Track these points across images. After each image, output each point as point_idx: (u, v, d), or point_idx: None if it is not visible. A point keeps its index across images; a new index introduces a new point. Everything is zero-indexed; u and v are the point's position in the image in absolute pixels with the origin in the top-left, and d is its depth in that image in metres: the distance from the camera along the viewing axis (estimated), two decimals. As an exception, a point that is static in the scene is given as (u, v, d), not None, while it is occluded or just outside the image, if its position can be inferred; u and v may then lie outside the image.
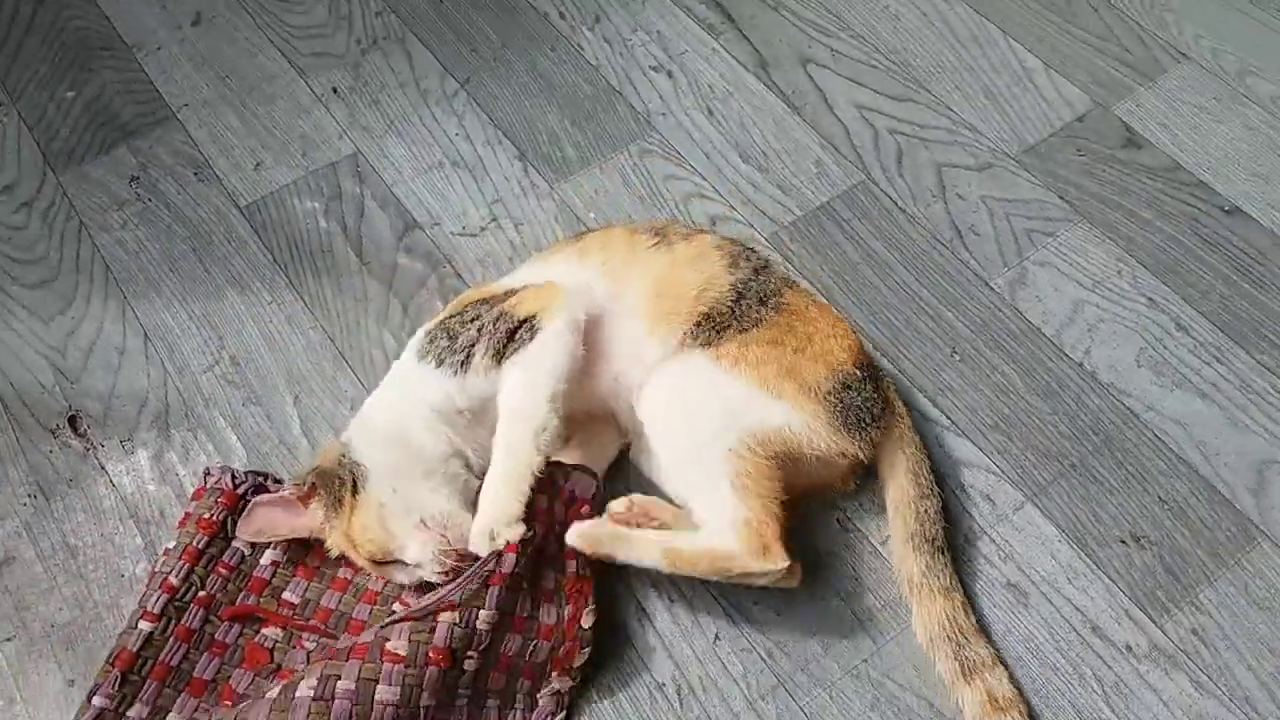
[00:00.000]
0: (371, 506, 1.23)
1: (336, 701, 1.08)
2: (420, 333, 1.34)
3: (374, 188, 1.68)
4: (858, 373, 1.29)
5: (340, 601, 1.28)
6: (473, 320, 1.29)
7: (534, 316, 1.27)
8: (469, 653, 1.15)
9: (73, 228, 1.66)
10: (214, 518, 1.29)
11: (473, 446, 1.29)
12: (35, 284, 1.60)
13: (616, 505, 1.26)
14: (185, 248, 1.63)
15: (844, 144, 1.69)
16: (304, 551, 1.30)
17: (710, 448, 1.22)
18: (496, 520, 1.19)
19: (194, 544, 1.27)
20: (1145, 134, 1.66)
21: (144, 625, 1.21)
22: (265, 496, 1.29)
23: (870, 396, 1.28)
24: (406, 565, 1.24)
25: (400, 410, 1.29)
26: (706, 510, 1.22)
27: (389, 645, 1.12)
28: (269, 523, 1.27)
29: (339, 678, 1.09)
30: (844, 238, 1.59)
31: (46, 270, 1.62)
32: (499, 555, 1.18)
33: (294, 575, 1.29)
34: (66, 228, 1.66)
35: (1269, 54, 1.74)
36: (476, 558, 1.19)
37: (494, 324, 1.28)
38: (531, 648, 1.20)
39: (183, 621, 1.23)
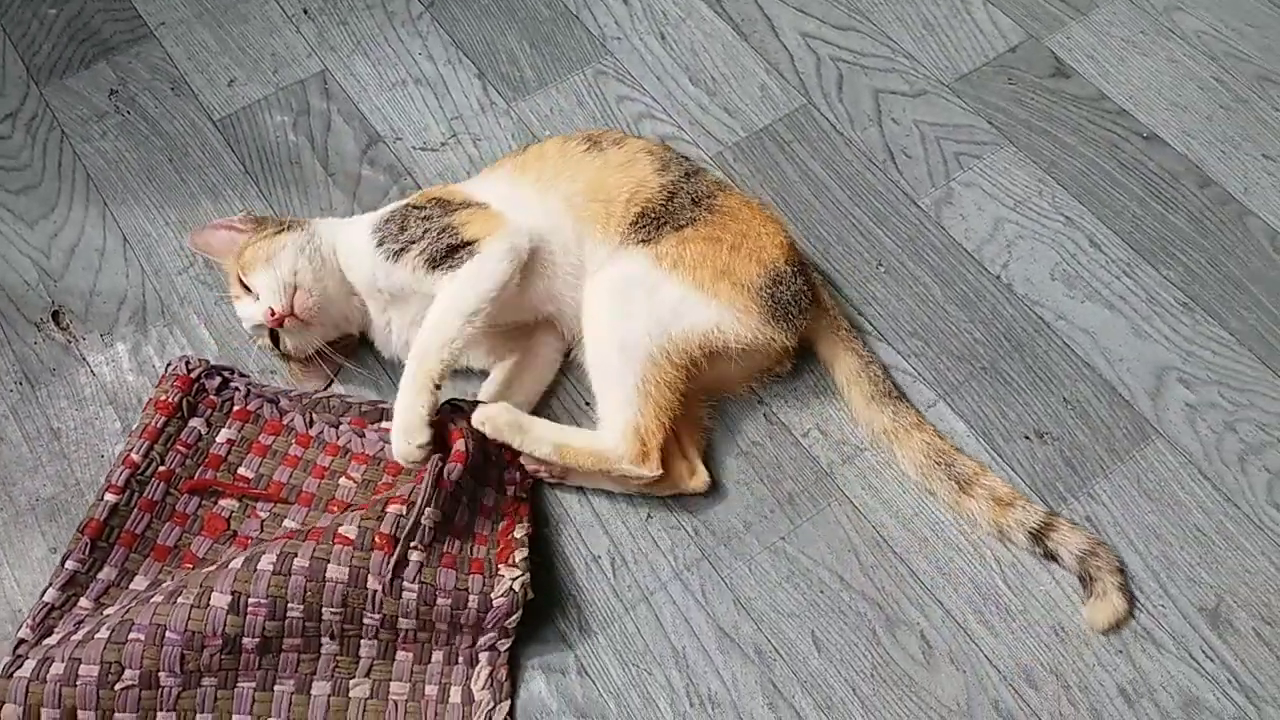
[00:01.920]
0: (277, 242, 1.39)
1: (293, 577, 1.18)
2: (384, 210, 1.44)
3: (340, 104, 1.77)
4: (788, 269, 1.39)
5: (291, 475, 1.38)
6: (424, 219, 1.38)
7: (476, 241, 1.35)
8: (412, 544, 1.23)
9: (55, 138, 1.74)
10: (170, 400, 1.39)
11: (369, 324, 1.45)
12: (19, 190, 1.69)
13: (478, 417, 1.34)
14: (162, 158, 1.72)
15: (788, 70, 1.78)
16: (258, 430, 1.40)
17: (634, 350, 1.32)
18: (406, 429, 1.28)
19: (153, 424, 1.37)
20: (1073, 64, 1.75)
21: (109, 497, 1.31)
22: (221, 220, 1.47)
23: (799, 289, 1.39)
24: (254, 300, 1.39)
25: (341, 251, 1.43)
26: (607, 408, 1.33)
27: (341, 529, 1.22)
28: (210, 240, 1.46)
29: (296, 555, 1.20)
30: (784, 159, 1.68)
31: (30, 177, 1.71)
32: (445, 461, 1.28)
33: (248, 453, 1.39)
34: (49, 138, 1.74)
35: (1196, -10, 1.83)
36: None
37: (439, 233, 1.36)
38: (469, 550, 1.28)
39: (145, 494, 1.32)
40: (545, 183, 1.42)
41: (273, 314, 1.36)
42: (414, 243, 1.36)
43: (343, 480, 1.37)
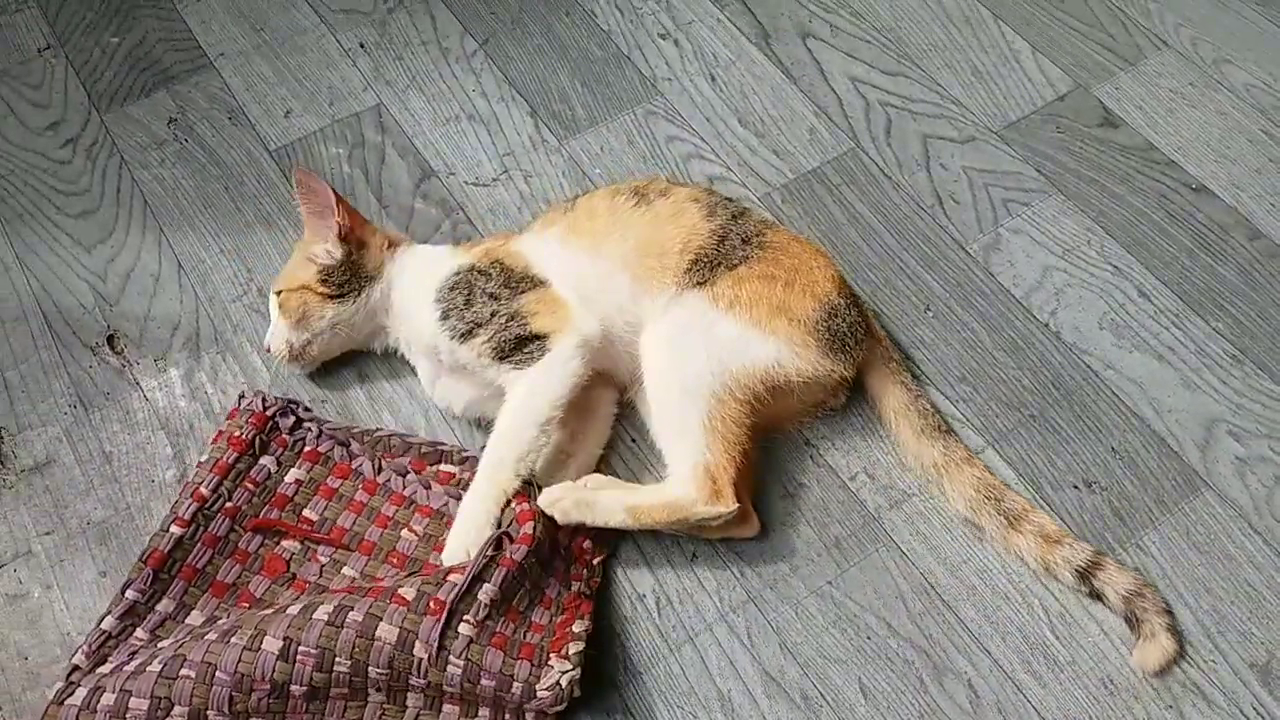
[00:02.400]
0: (320, 311, 1.45)
1: (344, 630, 1.17)
2: (446, 272, 1.44)
3: (395, 137, 1.79)
4: (841, 301, 1.40)
5: (354, 522, 1.37)
6: (490, 297, 1.40)
7: (546, 337, 1.37)
8: (465, 616, 1.21)
9: (114, 164, 1.78)
10: (244, 436, 1.39)
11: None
12: (78, 214, 1.72)
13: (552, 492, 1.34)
14: (218, 186, 1.75)
15: (837, 114, 1.79)
16: (326, 473, 1.41)
17: (696, 389, 1.32)
18: (466, 543, 1.28)
19: (224, 459, 1.37)
20: (1122, 114, 1.76)
21: (175, 529, 1.31)
22: (337, 198, 1.46)
23: (853, 320, 1.41)
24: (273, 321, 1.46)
25: (397, 310, 1.48)
26: (673, 456, 1.33)
27: (400, 590, 1.22)
28: (316, 197, 1.46)
29: (351, 609, 1.19)
30: (832, 201, 1.69)
31: (89, 202, 1.73)
32: (509, 541, 1.27)
33: (315, 495, 1.39)
34: (109, 164, 1.78)
35: (1245, 44, 1.84)
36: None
37: (507, 320, 1.37)
38: (521, 634, 1.24)
39: (210, 529, 1.32)
40: (598, 245, 1.43)
41: (268, 350, 1.49)
42: (480, 325, 1.38)
43: (404, 532, 1.36)
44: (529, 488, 1.33)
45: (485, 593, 1.23)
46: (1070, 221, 1.65)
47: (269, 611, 1.22)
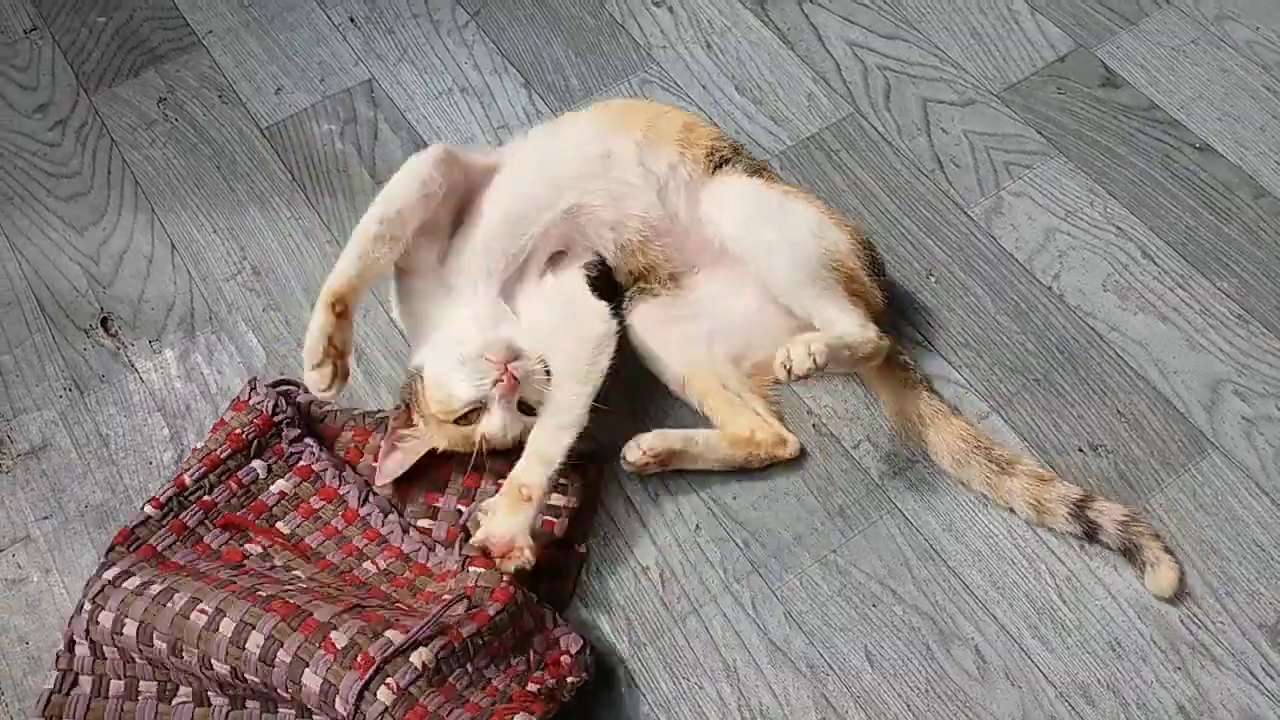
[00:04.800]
0: (427, 380, 1.33)
1: (274, 669, 1.15)
2: None
3: (387, 112, 1.77)
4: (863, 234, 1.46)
5: (322, 543, 1.33)
6: None
7: None
8: (389, 679, 1.12)
9: (104, 145, 1.76)
10: (244, 435, 1.37)
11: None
12: (69, 197, 1.70)
13: (631, 455, 1.36)
14: (210, 165, 1.73)
15: (835, 79, 1.77)
16: (312, 491, 1.37)
17: (814, 264, 1.36)
18: (309, 351, 1.29)
19: (217, 452, 1.35)
20: (1124, 74, 1.74)
21: (149, 510, 1.31)
22: (386, 445, 1.35)
23: (876, 256, 1.46)
24: (479, 410, 1.31)
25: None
26: (833, 316, 1.36)
27: (332, 635, 1.15)
28: (398, 463, 1.35)
29: (281, 646, 1.15)
30: (832, 167, 1.67)
31: (80, 184, 1.72)
32: (467, 609, 1.19)
33: (294, 510, 1.35)
34: (99, 145, 1.76)
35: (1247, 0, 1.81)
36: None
37: None
38: (451, 714, 1.13)
39: (180, 516, 1.32)
40: (565, 122, 1.49)
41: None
42: None
43: (367, 564, 1.32)
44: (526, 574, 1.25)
45: (418, 656, 1.14)
46: (1072, 183, 1.63)
47: (219, 592, 1.20)
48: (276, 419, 1.39)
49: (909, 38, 1.81)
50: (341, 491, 1.37)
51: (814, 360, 1.26)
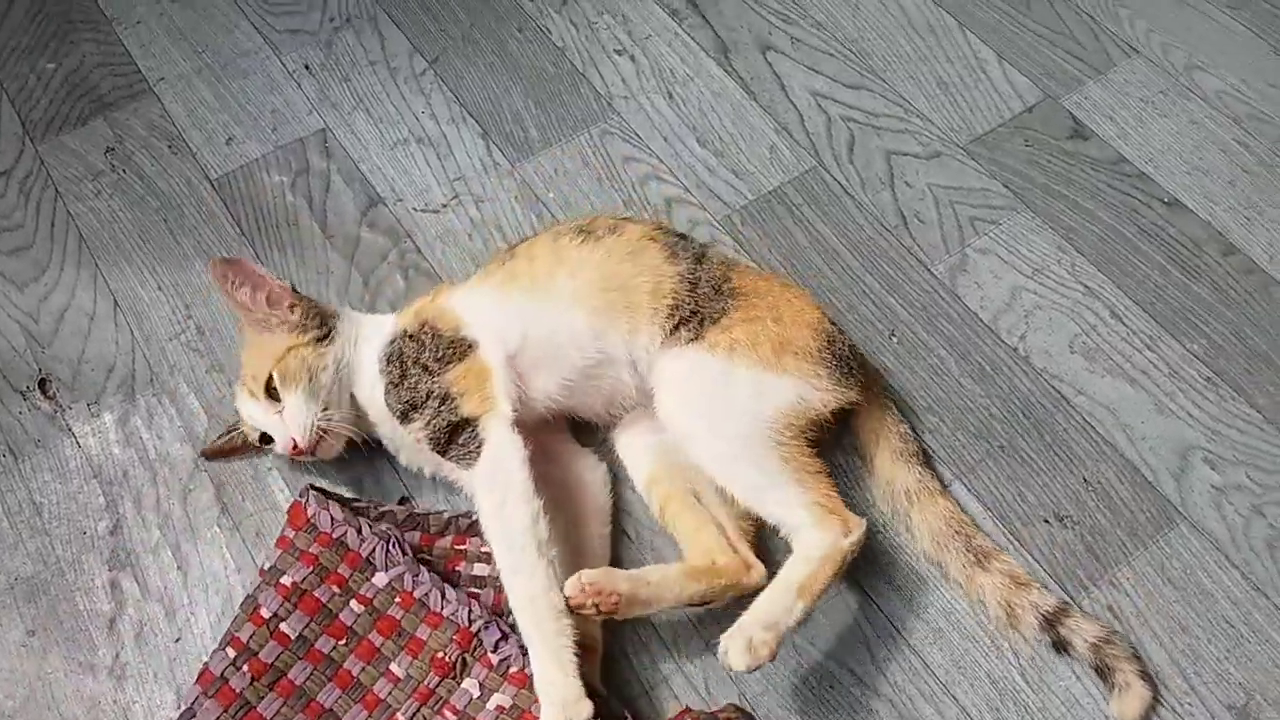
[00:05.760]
0: (321, 359, 1.33)
1: None
2: (389, 330, 1.38)
3: (340, 163, 1.73)
4: (832, 326, 1.37)
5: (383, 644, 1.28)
6: (422, 369, 1.32)
7: (475, 421, 1.29)
8: None
9: (49, 196, 1.71)
10: (313, 551, 1.31)
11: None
12: (10, 251, 1.66)
13: (570, 589, 1.21)
14: (156, 218, 1.68)
15: (798, 130, 1.73)
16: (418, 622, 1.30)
17: (758, 444, 1.26)
18: (566, 708, 1.16)
19: (292, 577, 1.29)
20: (1092, 126, 1.71)
21: (230, 650, 1.25)
22: (260, 270, 1.37)
23: (847, 342, 1.38)
24: (271, 407, 1.33)
25: (356, 379, 1.37)
26: (778, 509, 1.26)
27: None
28: (241, 274, 1.35)
29: None
30: (793, 223, 1.63)
31: (22, 238, 1.67)
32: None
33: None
34: (43, 196, 1.71)
35: (1217, 49, 1.78)
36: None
37: (439, 406, 1.30)
38: None
39: (259, 655, 1.25)
40: (539, 286, 1.36)
41: (295, 449, 1.32)
42: (415, 408, 1.31)
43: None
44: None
45: None
46: (1039, 239, 1.59)
47: None
48: (335, 535, 1.32)
49: (874, 88, 1.78)
50: (447, 614, 1.29)
51: (754, 654, 1.15)
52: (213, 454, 1.44)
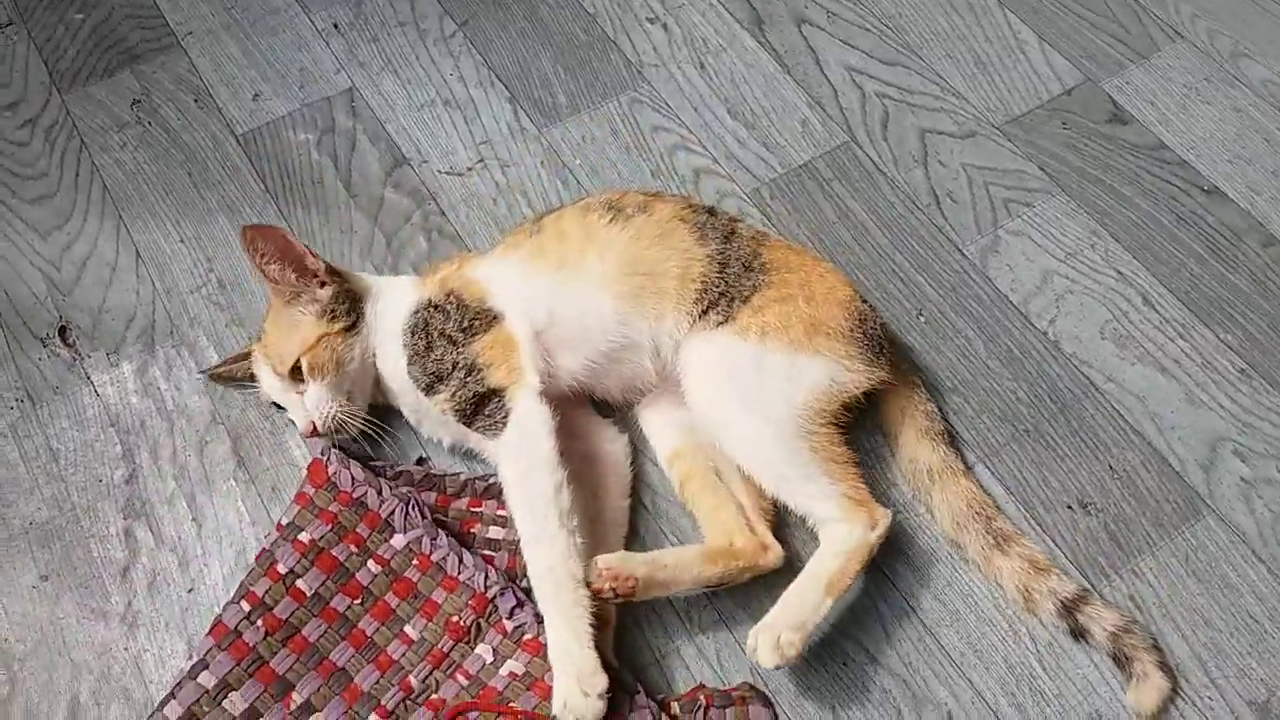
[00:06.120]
0: (349, 349, 1.33)
1: None
2: (411, 300, 1.36)
3: (367, 123, 1.71)
4: (864, 304, 1.36)
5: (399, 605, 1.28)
6: (447, 341, 1.31)
7: (503, 392, 1.28)
8: None
9: (74, 147, 1.70)
10: (332, 510, 1.30)
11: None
12: (34, 199, 1.65)
13: (589, 573, 1.21)
14: (181, 172, 1.67)
15: (831, 105, 1.71)
16: (435, 584, 1.29)
17: (790, 433, 1.25)
18: (581, 680, 1.15)
19: (310, 534, 1.29)
20: (1132, 110, 1.67)
21: (244, 605, 1.24)
22: (296, 241, 1.34)
23: (878, 320, 1.36)
24: (293, 387, 1.33)
25: (379, 352, 1.36)
26: (807, 500, 1.26)
27: None
28: (277, 245, 1.33)
29: None
30: (823, 197, 1.61)
31: (46, 186, 1.66)
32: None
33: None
34: (68, 146, 1.70)
35: (1265, 37, 1.74)
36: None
37: (465, 376, 1.29)
38: None
39: (274, 610, 1.24)
40: (569, 265, 1.34)
41: (313, 430, 1.32)
42: (441, 379, 1.29)
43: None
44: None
45: None
46: (1073, 223, 1.56)
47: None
48: (356, 495, 1.31)
49: (910, 65, 1.75)
50: (463, 579, 1.28)
51: (782, 654, 1.16)
52: (214, 375, 1.45)
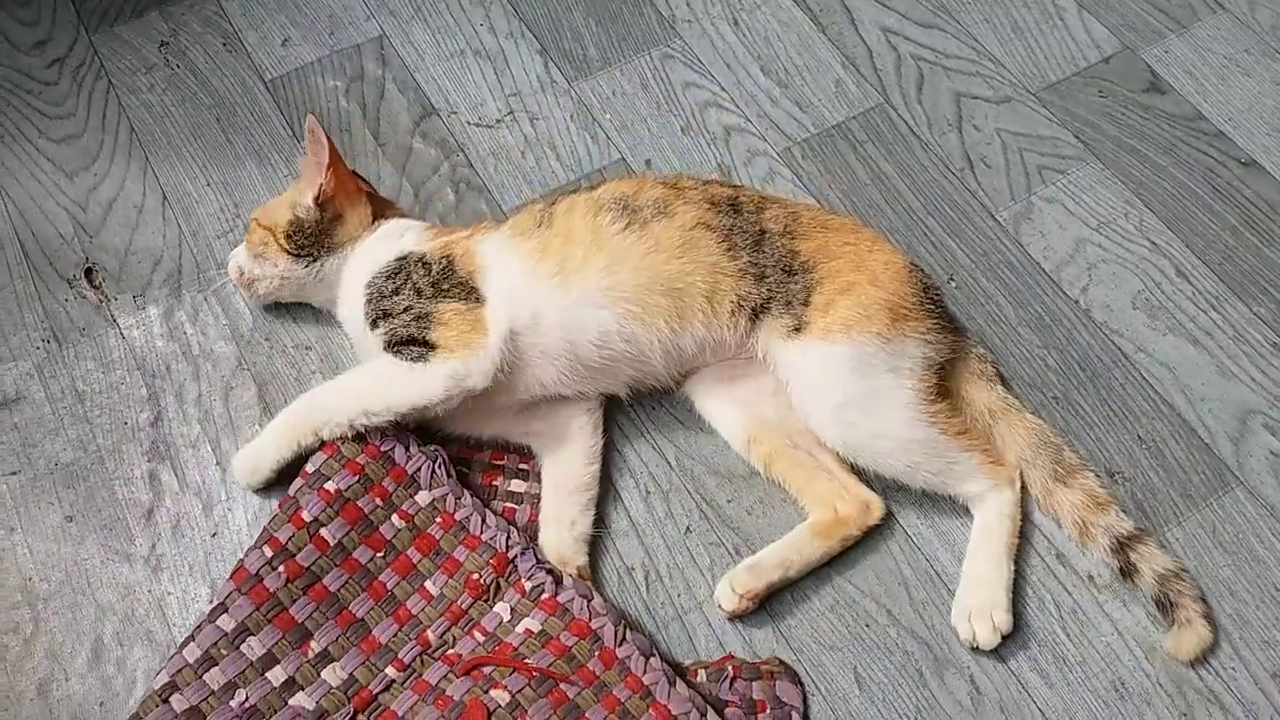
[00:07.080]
0: (274, 258, 1.38)
1: None
2: (398, 248, 1.35)
3: (396, 71, 1.70)
4: (914, 266, 1.35)
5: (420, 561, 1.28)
6: (414, 292, 1.29)
7: (435, 350, 1.25)
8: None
9: (101, 87, 1.69)
10: (359, 461, 1.29)
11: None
12: (61, 139, 1.64)
13: (726, 603, 1.23)
14: (209, 116, 1.66)
15: (866, 66, 1.69)
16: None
17: (917, 431, 1.25)
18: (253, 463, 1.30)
19: (337, 484, 1.27)
20: (1170, 80, 1.65)
21: (267, 550, 1.23)
22: (346, 168, 1.41)
23: (928, 279, 1.36)
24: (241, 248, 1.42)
25: (354, 275, 1.37)
26: (961, 485, 1.28)
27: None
28: (318, 150, 1.36)
29: None
30: (856, 159, 1.59)
31: (73, 126, 1.65)
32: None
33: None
34: (95, 87, 1.69)
35: (1308, 9, 1.72)
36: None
37: (411, 320, 1.27)
38: None
39: (297, 557, 1.24)
40: (569, 272, 1.27)
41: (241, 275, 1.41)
42: (390, 315, 1.28)
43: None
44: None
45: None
46: (1108, 192, 1.55)
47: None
48: (383, 449, 1.29)
49: (947, 28, 1.72)
50: (485, 538, 1.28)
51: (1000, 633, 1.21)
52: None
